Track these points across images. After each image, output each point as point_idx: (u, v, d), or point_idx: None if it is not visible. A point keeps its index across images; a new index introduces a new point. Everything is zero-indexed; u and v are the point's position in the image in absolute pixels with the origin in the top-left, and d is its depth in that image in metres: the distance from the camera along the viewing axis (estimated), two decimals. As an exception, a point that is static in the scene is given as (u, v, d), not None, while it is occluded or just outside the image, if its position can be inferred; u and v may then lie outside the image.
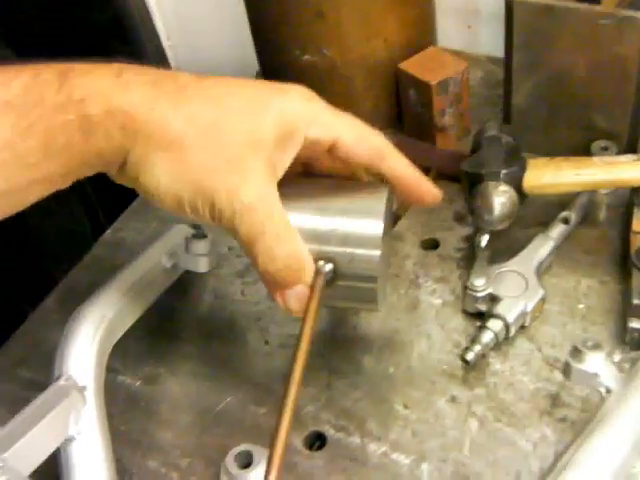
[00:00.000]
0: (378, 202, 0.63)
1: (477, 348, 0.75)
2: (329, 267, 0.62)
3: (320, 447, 0.72)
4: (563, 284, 0.82)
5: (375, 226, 0.62)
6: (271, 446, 0.52)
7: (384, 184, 0.65)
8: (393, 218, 0.70)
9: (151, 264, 0.81)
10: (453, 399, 0.74)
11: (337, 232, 0.62)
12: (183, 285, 0.86)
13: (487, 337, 0.75)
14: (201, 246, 0.81)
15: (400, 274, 0.85)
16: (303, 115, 0.60)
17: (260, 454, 0.65)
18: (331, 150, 0.62)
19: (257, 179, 0.58)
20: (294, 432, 0.73)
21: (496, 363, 0.76)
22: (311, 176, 0.67)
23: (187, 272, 0.84)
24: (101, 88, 0.55)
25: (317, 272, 0.61)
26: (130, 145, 0.56)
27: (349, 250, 0.62)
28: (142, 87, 0.57)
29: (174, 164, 0.57)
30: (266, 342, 0.82)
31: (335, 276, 0.63)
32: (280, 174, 0.60)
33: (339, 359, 0.79)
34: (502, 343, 0.76)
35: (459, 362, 0.76)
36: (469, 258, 0.84)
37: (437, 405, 0.74)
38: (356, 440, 0.72)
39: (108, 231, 0.97)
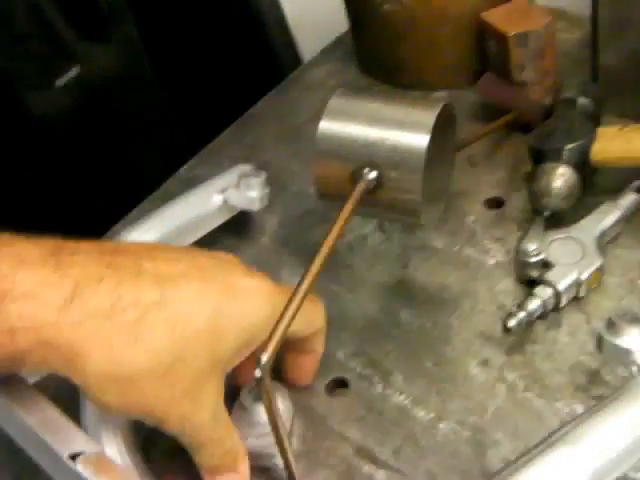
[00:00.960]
0: (430, 117, 0.64)
1: (521, 315, 0.69)
2: (373, 175, 0.64)
3: (342, 394, 0.70)
4: (627, 257, 0.76)
5: (422, 139, 0.64)
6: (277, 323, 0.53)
7: (441, 101, 0.66)
8: (455, 144, 0.70)
9: (201, 199, 0.79)
10: (485, 362, 0.69)
11: (386, 142, 0.64)
12: (242, 224, 0.85)
13: (534, 305, 0.70)
14: (253, 184, 0.79)
15: (457, 231, 0.81)
16: (264, 325, 0.56)
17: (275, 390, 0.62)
18: None
19: (211, 402, 0.57)
20: (317, 377, 0.70)
21: (539, 331, 0.71)
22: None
23: (245, 213, 0.83)
24: (45, 319, 0.49)
25: (361, 177, 0.64)
26: (74, 375, 0.52)
27: (395, 160, 0.64)
28: (95, 320, 0.51)
29: (127, 395, 0.53)
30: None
31: (379, 185, 0.64)
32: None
33: (377, 310, 0.75)
34: (549, 313, 0.71)
35: (500, 325, 0.71)
36: (532, 221, 0.79)
37: (468, 366, 0.70)
38: (378, 390, 0.69)
39: (184, 167, 0.96)
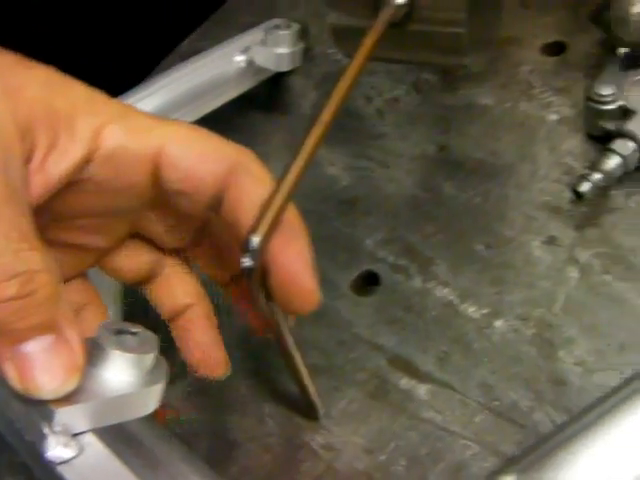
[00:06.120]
0: None
1: (596, 178, 0.51)
2: None
3: (371, 292, 0.53)
4: None
5: None
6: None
7: None
8: None
9: (220, 59, 0.62)
10: (552, 240, 0.52)
11: None
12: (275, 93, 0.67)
13: (612, 163, 0.52)
14: (282, 37, 0.62)
15: (509, 84, 0.62)
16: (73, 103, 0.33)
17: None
18: (156, 177, 0.35)
19: None
20: (340, 272, 0.53)
21: (618, 197, 0.53)
22: None
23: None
24: None
25: (386, 2, 0.46)
26: None
27: None
28: None
29: None
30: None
31: (410, 13, 0.46)
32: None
33: (414, 184, 0.58)
34: (632, 173, 0.53)
35: (568, 194, 0.53)
36: (602, 66, 0.60)
37: (529, 247, 0.52)
38: (416, 284, 0.52)
39: (185, 41, 0.78)
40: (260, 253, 0.35)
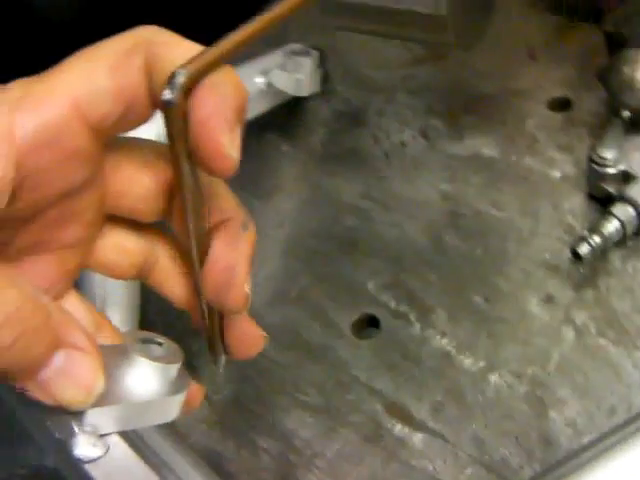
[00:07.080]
0: None
1: (596, 240, 0.52)
2: None
3: (370, 335, 0.54)
4: None
5: None
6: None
7: None
8: None
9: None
10: (549, 299, 0.53)
11: None
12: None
13: (611, 227, 0.53)
14: (302, 64, 0.63)
15: (515, 137, 0.63)
16: None
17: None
18: (90, 127, 0.31)
19: None
20: (341, 313, 0.54)
21: (615, 260, 0.54)
22: None
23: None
24: None
25: None
26: None
27: None
28: None
29: None
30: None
31: None
32: None
33: (416, 232, 0.59)
34: (630, 237, 0.54)
35: (567, 253, 0.54)
36: (606, 127, 0.61)
37: (527, 303, 0.53)
38: (415, 331, 0.53)
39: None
40: (183, 90, 0.30)
